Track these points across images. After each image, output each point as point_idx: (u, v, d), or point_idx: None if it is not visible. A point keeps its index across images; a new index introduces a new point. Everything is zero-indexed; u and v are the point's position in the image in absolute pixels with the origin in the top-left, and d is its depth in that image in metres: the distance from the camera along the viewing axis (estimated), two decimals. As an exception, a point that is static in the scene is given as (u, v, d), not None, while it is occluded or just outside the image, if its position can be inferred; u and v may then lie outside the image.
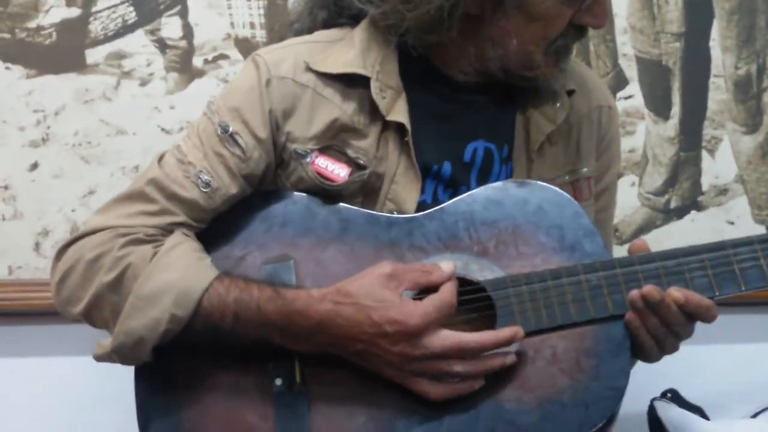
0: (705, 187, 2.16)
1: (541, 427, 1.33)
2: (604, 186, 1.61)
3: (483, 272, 1.39)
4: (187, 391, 1.38)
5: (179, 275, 1.33)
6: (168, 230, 1.39)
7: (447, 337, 1.32)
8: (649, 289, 1.35)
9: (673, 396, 1.97)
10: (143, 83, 2.04)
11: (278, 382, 1.37)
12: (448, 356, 1.31)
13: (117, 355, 1.34)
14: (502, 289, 1.37)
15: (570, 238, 1.40)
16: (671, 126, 2.13)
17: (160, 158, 1.44)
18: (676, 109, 2.13)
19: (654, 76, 2.11)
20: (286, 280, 1.40)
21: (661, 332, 1.37)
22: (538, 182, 1.44)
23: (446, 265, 1.36)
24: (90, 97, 2.03)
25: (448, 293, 1.33)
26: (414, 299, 1.33)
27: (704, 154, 2.15)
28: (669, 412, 1.94)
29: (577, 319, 1.37)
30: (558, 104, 1.49)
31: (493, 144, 1.49)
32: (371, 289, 1.32)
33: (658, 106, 2.13)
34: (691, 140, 2.14)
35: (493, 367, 1.34)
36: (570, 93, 1.51)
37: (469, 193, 1.43)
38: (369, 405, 1.35)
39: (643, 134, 2.12)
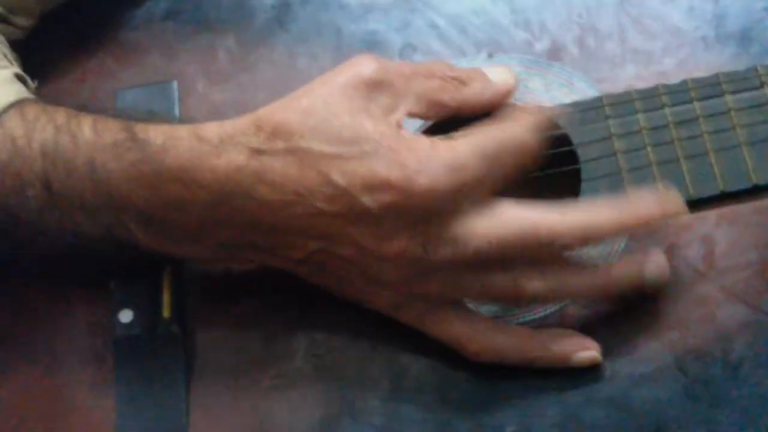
0: None
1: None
2: None
3: (552, 91, 0.85)
4: None
5: None
6: None
7: (510, 218, 0.72)
8: None
9: None
10: None
11: (125, 317, 0.78)
12: (509, 260, 0.72)
13: None
14: (593, 122, 0.80)
15: (736, 21, 0.86)
16: None
17: None
18: None
19: None
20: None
21: None
22: None
23: (498, 71, 0.80)
24: None
25: (516, 126, 0.74)
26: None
27: None
28: None
29: (760, 180, 0.79)
30: None
31: None
32: (329, 114, 0.71)
33: None
34: None
35: (620, 283, 0.75)
36: None
37: None
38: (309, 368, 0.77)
39: None
